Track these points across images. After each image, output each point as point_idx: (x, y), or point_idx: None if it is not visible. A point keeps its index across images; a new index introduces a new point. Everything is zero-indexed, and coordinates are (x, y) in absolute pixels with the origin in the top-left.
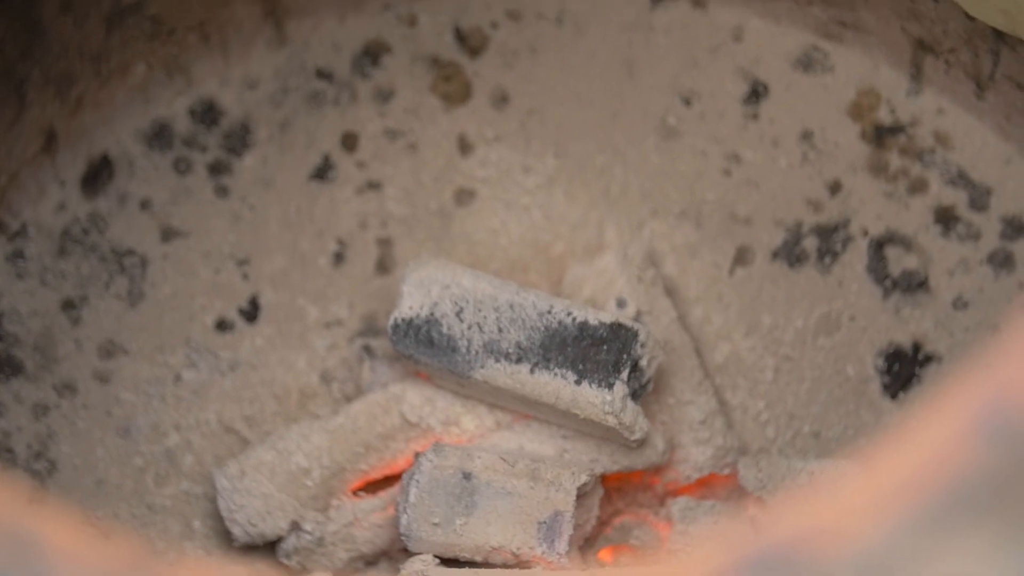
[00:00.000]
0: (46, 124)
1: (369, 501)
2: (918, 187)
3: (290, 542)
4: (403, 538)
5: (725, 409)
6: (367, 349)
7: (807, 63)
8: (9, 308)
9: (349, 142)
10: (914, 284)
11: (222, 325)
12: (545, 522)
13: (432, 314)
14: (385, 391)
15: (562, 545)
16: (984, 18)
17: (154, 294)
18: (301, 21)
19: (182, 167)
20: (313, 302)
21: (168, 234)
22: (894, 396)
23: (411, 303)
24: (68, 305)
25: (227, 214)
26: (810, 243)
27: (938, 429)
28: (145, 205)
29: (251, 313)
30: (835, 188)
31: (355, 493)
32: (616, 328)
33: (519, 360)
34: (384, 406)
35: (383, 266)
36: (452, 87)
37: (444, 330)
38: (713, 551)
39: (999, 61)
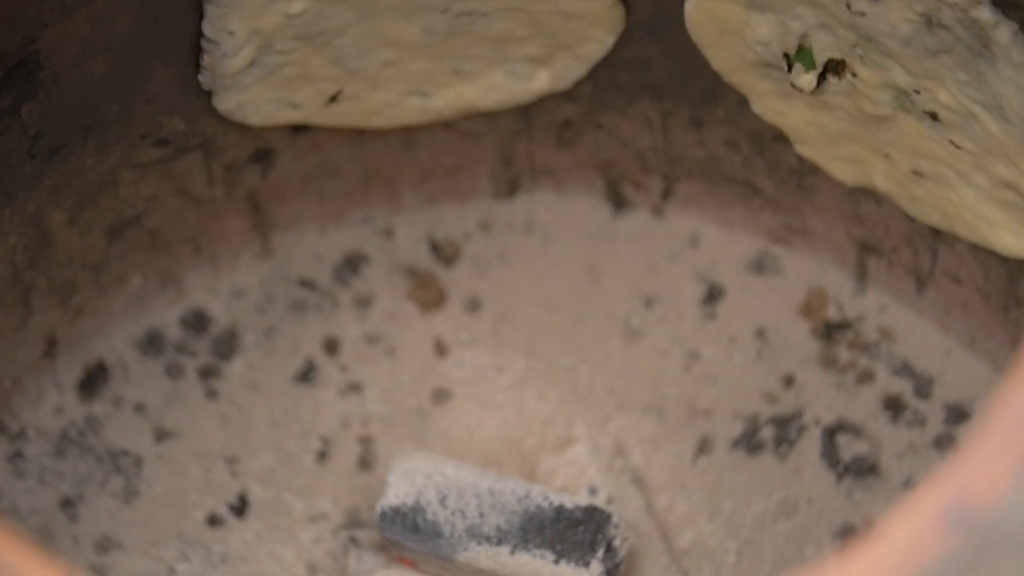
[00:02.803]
0: (48, 331)
1: None
2: (866, 378)
3: None
4: None
5: None
6: (353, 539)
7: (760, 266)
8: (9, 506)
9: (331, 346)
10: (865, 468)
11: (213, 520)
12: None
13: (417, 502)
14: None
15: None
16: (923, 217)
17: (148, 492)
18: (285, 233)
19: (174, 372)
20: (299, 497)
21: (161, 435)
22: None
23: (397, 492)
24: (66, 503)
25: (216, 415)
26: (767, 433)
27: (911, 521)
28: (139, 408)
29: (240, 509)
30: (789, 381)
31: None
32: (591, 511)
33: (500, 542)
34: None
35: (365, 463)
36: (428, 294)
37: (429, 516)
38: None
39: (937, 258)
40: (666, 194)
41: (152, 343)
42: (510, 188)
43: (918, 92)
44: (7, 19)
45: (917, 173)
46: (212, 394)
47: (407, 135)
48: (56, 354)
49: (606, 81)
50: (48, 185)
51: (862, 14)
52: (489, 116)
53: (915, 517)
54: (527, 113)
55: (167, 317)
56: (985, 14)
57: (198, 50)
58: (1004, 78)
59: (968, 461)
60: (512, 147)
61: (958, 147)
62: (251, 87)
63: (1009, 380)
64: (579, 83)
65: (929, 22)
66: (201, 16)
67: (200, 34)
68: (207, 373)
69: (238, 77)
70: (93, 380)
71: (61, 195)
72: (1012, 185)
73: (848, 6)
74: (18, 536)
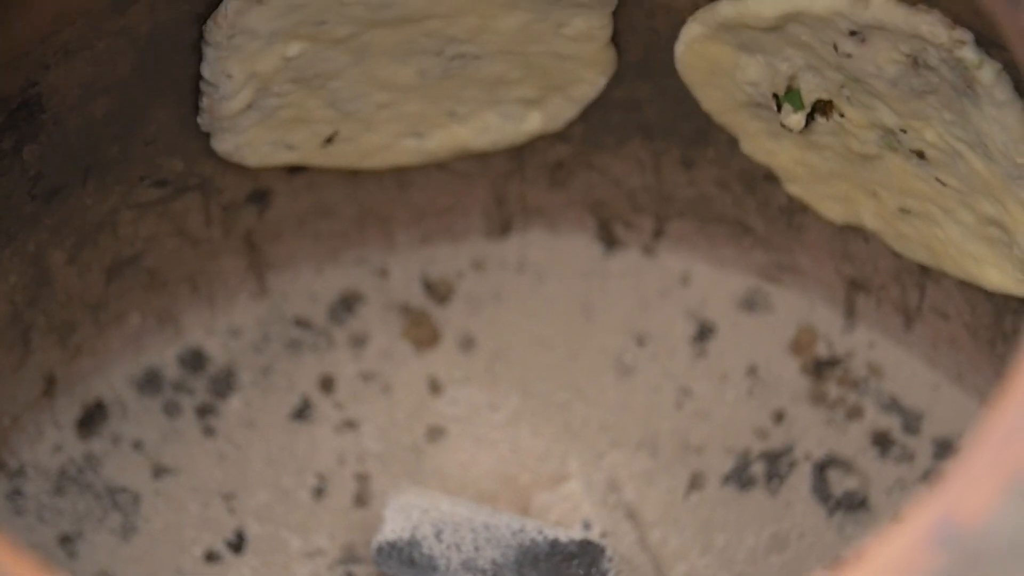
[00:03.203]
0: (47, 370)
1: None
2: (855, 414)
3: None
4: None
5: None
6: (350, 575)
7: (750, 304)
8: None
9: (327, 384)
10: (855, 503)
11: (211, 556)
12: None
13: (413, 536)
14: None
15: None
16: (910, 254)
17: (146, 528)
18: (281, 273)
19: (171, 410)
20: (296, 533)
21: (159, 472)
22: None
23: (393, 527)
24: (65, 540)
25: (214, 453)
26: (758, 468)
27: (901, 540)
28: (137, 446)
29: (237, 545)
30: (779, 417)
31: None
32: (585, 544)
33: None
34: None
35: (361, 499)
36: (422, 332)
37: (425, 550)
38: None
39: (925, 295)
40: (657, 233)
41: (150, 382)
42: (503, 228)
43: (905, 131)
44: (10, 62)
45: (904, 211)
46: (209, 431)
47: (401, 176)
48: (55, 393)
49: (598, 122)
50: (48, 225)
51: (849, 56)
52: (482, 157)
53: (904, 536)
54: (520, 154)
55: (165, 356)
56: (969, 54)
57: (197, 92)
58: (988, 117)
59: (956, 481)
60: (505, 187)
61: (944, 185)
62: (248, 129)
63: (995, 403)
64: (571, 124)
65: (915, 63)
66: (200, 59)
67: (199, 77)
68: (204, 411)
69: (236, 119)
70: (92, 418)
71: (61, 235)
72: (997, 222)
73: (835, 48)
74: (22, 552)
